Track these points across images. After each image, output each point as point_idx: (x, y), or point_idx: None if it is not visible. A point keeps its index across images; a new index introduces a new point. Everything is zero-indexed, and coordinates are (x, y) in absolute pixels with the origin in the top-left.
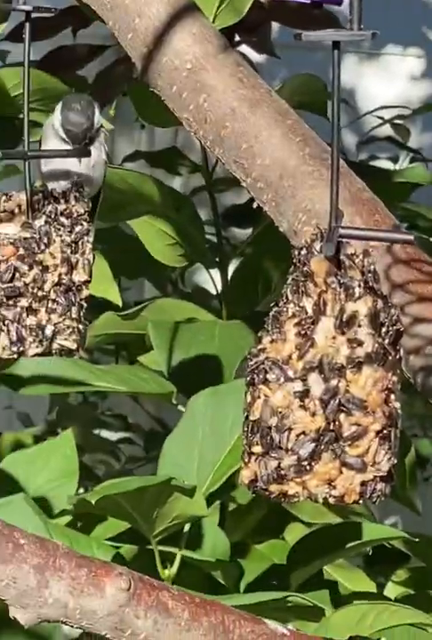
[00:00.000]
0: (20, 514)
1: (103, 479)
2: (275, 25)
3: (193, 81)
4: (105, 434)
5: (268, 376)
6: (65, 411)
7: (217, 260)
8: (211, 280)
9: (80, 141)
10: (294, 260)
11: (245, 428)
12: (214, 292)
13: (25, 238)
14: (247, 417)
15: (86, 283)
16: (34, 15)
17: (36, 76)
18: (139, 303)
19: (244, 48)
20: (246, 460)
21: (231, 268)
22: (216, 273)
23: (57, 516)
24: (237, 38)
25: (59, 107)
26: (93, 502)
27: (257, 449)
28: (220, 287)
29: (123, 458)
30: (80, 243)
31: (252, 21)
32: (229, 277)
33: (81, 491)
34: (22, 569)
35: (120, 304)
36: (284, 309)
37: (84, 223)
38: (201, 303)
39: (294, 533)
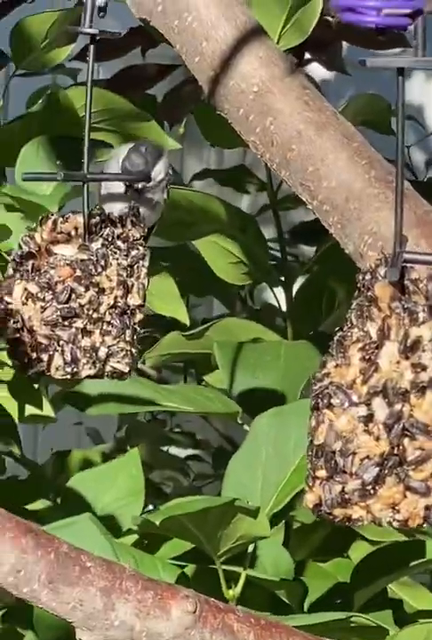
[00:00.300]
0: (86, 534)
1: (171, 496)
2: (344, 43)
3: (259, 104)
4: (173, 451)
5: (332, 400)
6: (134, 428)
7: (281, 278)
8: (275, 298)
9: (135, 181)
10: (359, 285)
11: (310, 453)
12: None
13: (82, 260)
14: (311, 441)
15: (140, 307)
16: (99, 38)
17: (103, 96)
18: (207, 321)
19: (314, 65)
20: (311, 484)
21: (296, 287)
22: (280, 291)
23: (123, 534)
24: (307, 56)
25: (128, 145)
26: (158, 523)
27: (321, 473)
28: (284, 305)
29: (191, 475)
30: (136, 267)
31: (321, 39)
32: (294, 296)
33: (149, 507)
34: (89, 592)
35: (187, 323)
36: (349, 334)
37: (140, 248)
38: (268, 321)
39: (359, 552)
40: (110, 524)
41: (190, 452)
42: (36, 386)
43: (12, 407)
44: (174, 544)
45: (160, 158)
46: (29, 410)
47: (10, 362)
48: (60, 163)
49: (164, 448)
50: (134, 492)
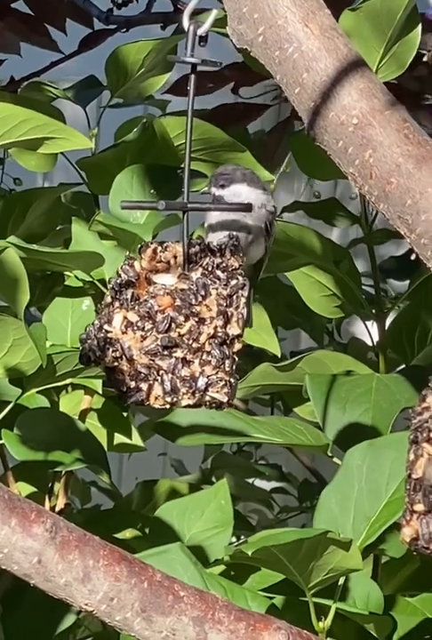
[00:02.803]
0: (176, 562)
1: (257, 529)
2: None
3: (359, 136)
4: (258, 483)
5: (431, 434)
6: (220, 459)
7: (373, 311)
8: (367, 332)
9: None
10: None
11: (408, 486)
12: (370, 344)
13: (182, 289)
14: (410, 475)
15: (239, 337)
16: (199, 68)
17: (198, 126)
18: (295, 354)
19: None
20: (408, 519)
21: (388, 320)
22: (372, 325)
23: (210, 565)
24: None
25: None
26: (250, 554)
27: (419, 507)
28: (376, 339)
29: (276, 507)
30: (235, 296)
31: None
32: (386, 329)
33: (232, 539)
34: (181, 621)
35: (279, 354)
36: None
37: (239, 277)
38: (357, 354)
39: None
40: (197, 554)
41: (275, 484)
42: (124, 414)
43: (101, 435)
44: (261, 575)
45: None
46: (118, 439)
47: (100, 390)
48: (154, 191)
49: (249, 480)
50: (223, 522)
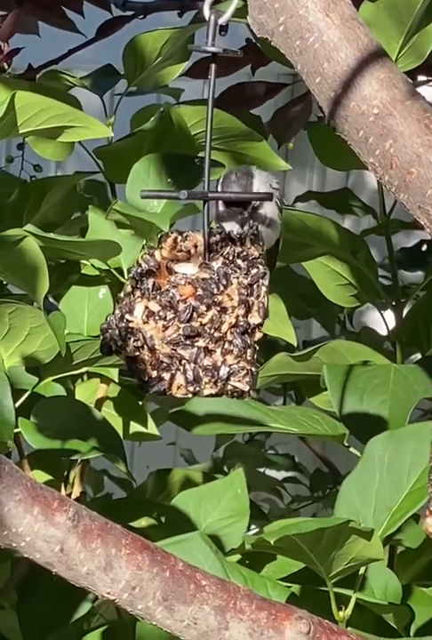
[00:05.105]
0: (196, 551)
1: (271, 518)
2: None
3: (380, 126)
4: (269, 472)
5: None
6: (232, 448)
7: (390, 301)
8: (383, 321)
9: (257, 200)
10: None
11: (430, 477)
12: (384, 333)
13: (203, 279)
14: None
15: (259, 325)
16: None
17: (216, 115)
18: (308, 343)
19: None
20: (430, 509)
21: (405, 310)
22: (388, 314)
23: (227, 554)
24: (422, 78)
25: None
26: (272, 542)
27: None
28: (391, 328)
29: (287, 497)
30: (256, 285)
31: None
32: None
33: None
34: (203, 610)
35: (295, 344)
36: None
37: (260, 266)
38: (369, 344)
39: None
40: (214, 543)
41: (286, 474)
42: (140, 403)
43: (117, 424)
44: (277, 565)
45: (251, 176)
46: (133, 427)
47: (116, 378)
48: (170, 180)
49: (261, 469)
50: (239, 512)
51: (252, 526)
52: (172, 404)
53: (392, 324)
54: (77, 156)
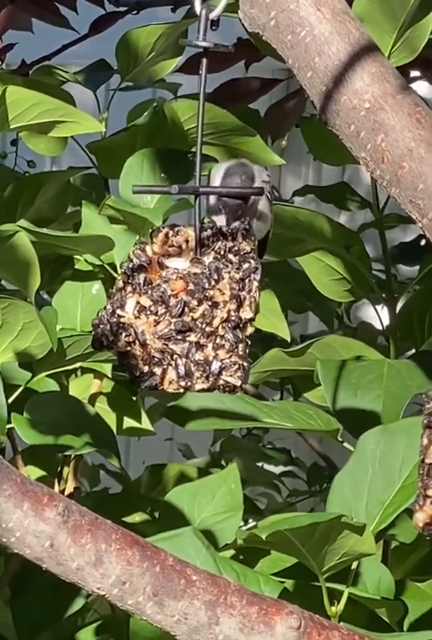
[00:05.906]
0: (189, 546)
1: (266, 513)
2: None
3: (371, 120)
4: (267, 467)
5: None
6: (229, 443)
7: (384, 296)
8: (377, 316)
9: (249, 195)
10: None
11: (421, 471)
12: (379, 328)
13: (195, 273)
14: (423, 460)
15: (251, 320)
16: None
17: (208, 110)
18: (305, 338)
19: (421, 83)
20: (421, 503)
21: (399, 305)
22: (382, 309)
23: (221, 549)
24: (414, 73)
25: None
26: (264, 537)
27: None
28: (386, 323)
29: (284, 491)
30: (247, 280)
31: (428, 57)
32: (397, 314)
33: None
34: (194, 605)
35: (288, 339)
36: None
37: (252, 261)
38: (366, 338)
39: None
40: (207, 539)
41: (283, 468)
42: (134, 399)
43: (110, 419)
44: (271, 560)
45: (251, 172)
46: (127, 423)
47: (110, 374)
48: (164, 175)
49: (258, 464)
50: (233, 507)
51: (250, 521)
52: (169, 400)
53: (387, 319)
54: (73, 151)
